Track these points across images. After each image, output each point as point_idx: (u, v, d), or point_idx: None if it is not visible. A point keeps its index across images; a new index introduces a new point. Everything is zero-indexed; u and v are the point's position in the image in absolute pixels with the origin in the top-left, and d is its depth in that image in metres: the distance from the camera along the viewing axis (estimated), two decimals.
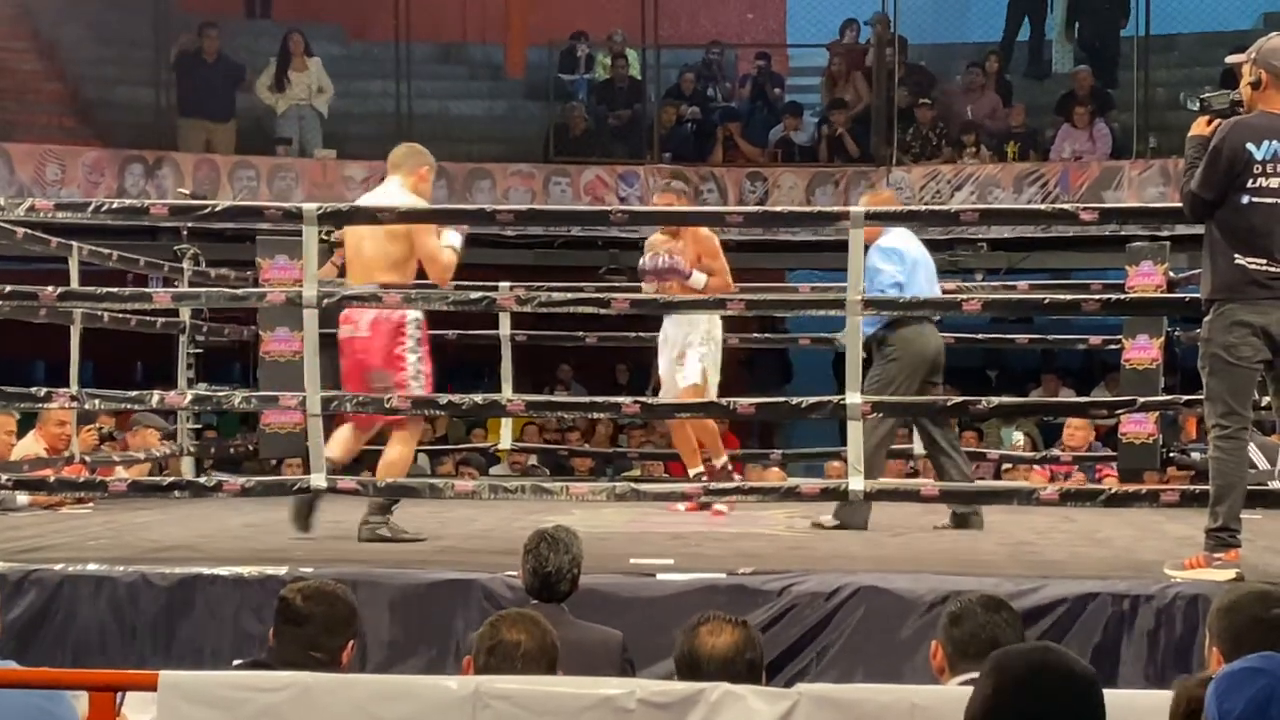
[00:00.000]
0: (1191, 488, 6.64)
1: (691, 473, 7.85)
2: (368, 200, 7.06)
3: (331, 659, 3.90)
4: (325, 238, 9.08)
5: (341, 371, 6.81)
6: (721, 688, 3.32)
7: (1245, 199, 5.25)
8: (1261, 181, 5.23)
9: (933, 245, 7.69)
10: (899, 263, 7.13)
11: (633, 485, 7.04)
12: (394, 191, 6.80)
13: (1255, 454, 6.51)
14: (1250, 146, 5.24)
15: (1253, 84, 5.33)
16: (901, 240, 7.23)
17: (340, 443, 6.75)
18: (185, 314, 9.12)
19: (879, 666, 5.20)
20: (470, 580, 5.44)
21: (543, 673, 3.64)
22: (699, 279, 7.57)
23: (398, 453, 6.72)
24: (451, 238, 6.71)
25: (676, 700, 3.31)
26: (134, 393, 7.28)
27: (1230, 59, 5.49)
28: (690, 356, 7.70)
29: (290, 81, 14.22)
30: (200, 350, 9.43)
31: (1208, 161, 5.30)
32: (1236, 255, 5.28)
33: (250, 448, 9.77)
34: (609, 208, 6.91)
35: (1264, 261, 5.25)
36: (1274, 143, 5.23)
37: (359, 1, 15.64)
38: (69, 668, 4.88)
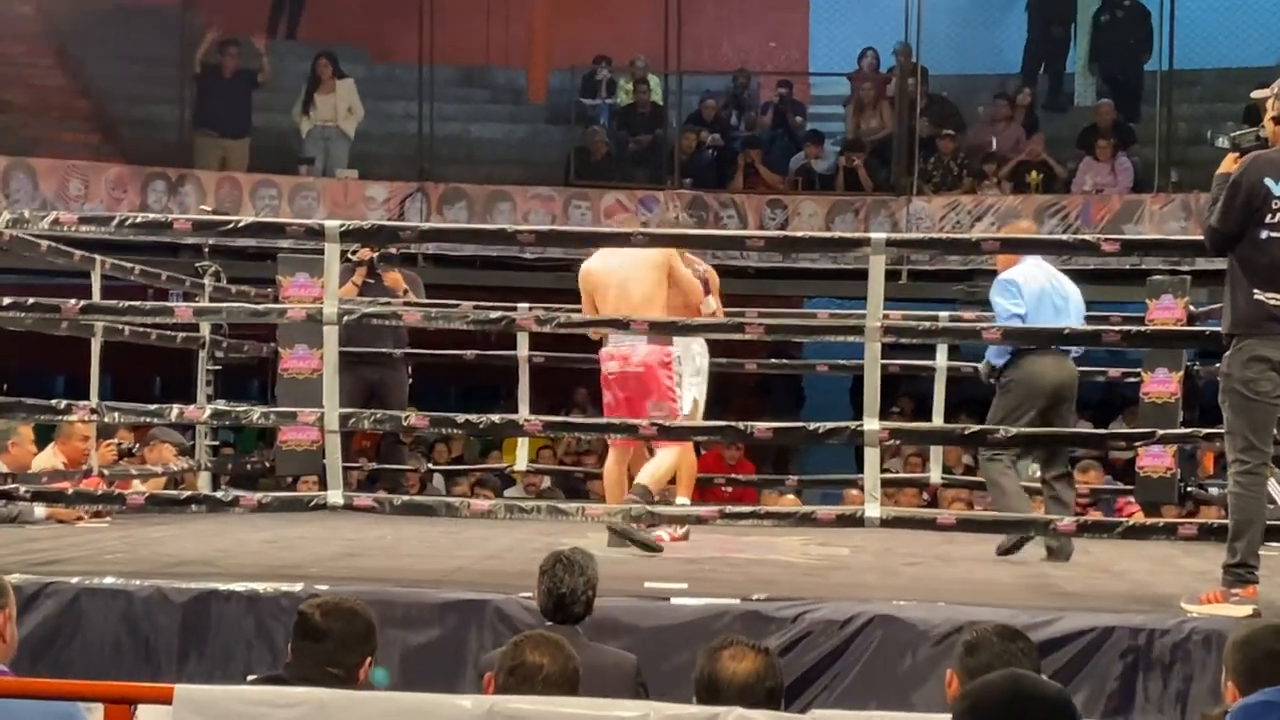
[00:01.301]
0: (1210, 522, 6.62)
1: (680, 500, 7.77)
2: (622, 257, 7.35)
3: (348, 675, 3.90)
4: (350, 257, 9.13)
5: (613, 403, 7.29)
6: (736, 712, 3.31)
7: (1264, 234, 5.25)
8: None
9: (952, 275, 7.70)
10: (1015, 296, 7.10)
11: (648, 508, 7.03)
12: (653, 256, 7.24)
13: (1275, 489, 6.48)
14: (1269, 181, 5.23)
15: (1275, 119, 5.33)
16: (1021, 272, 7.17)
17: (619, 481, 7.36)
18: (205, 329, 9.15)
19: (892, 695, 5.18)
20: (485, 601, 5.44)
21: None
22: (710, 304, 7.58)
23: (664, 460, 7.23)
24: (711, 302, 7.43)
25: None
26: (153, 406, 7.30)
27: (1255, 94, 5.49)
28: (683, 389, 7.68)
29: (316, 104, 14.28)
30: (219, 366, 9.45)
31: (1226, 195, 5.30)
32: (1255, 290, 5.27)
33: (267, 464, 9.79)
34: (630, 230, 6.92)
35: None
36: None
37: (384, 24, 15.71)
38: (84, 680, 4.88)
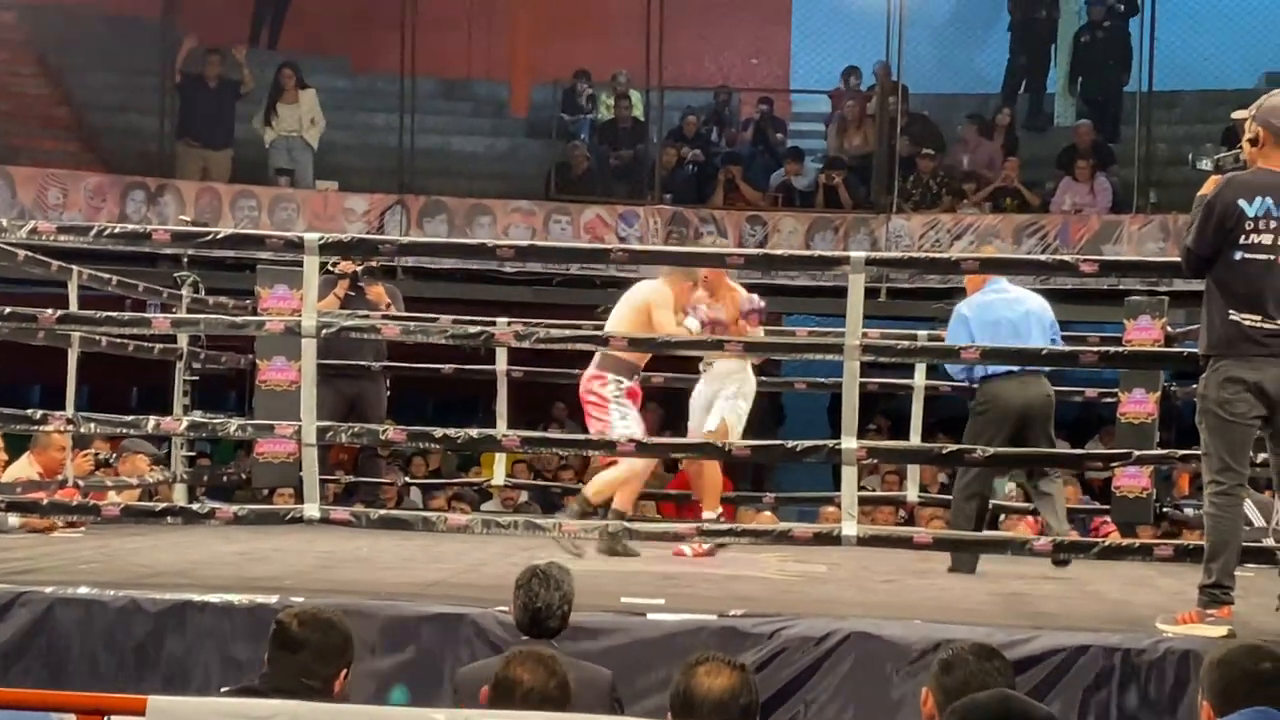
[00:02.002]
0: (1186, 543, 6.64)
1: (707, 515, 7.79)
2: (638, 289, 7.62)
3: (324, 686, 3.88)
4: (331, 269, 9.13)
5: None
6: None
7: (1238, 255, 5.28)
8: (1254, 238, 5.25)
9: (931, 294, 7.72)
10: (958, 332, 7.27)
11: (625, 524, 7.03)
12: (655, 284, 7.57)
13: (1251, 510, 6.50)
14: (1242, 203, 5.26)
15: (1251, 141, 5.36)
16: (975, 303, 7.34)
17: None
18: (183, 340, 9.13)
19: (867, 712, 5.19)
20: (461, 614, 5.42)
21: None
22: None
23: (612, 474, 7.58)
24: (691, 323, 7.36)
25: None
26: (130, 418, 7.28)
27: (1235, 115, 5.51)
28: (716, 405, 7.68)
29: (278, 114, 14.24)
30: (196, 377, 9.43)
31: (1201, 216, 5.34)
32: (1231, 311, 5.30)
33: (243, 476, 9.76)
34: (610, 246, 6.95)
35: (1258, 318, 5.26)
36: (1267, 199, 5.25)
37: (365, 35, 15.70)
38: (57, 690, 4.85)
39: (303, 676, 3.87)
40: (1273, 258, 5.24)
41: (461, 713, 3.45)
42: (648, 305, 7.51)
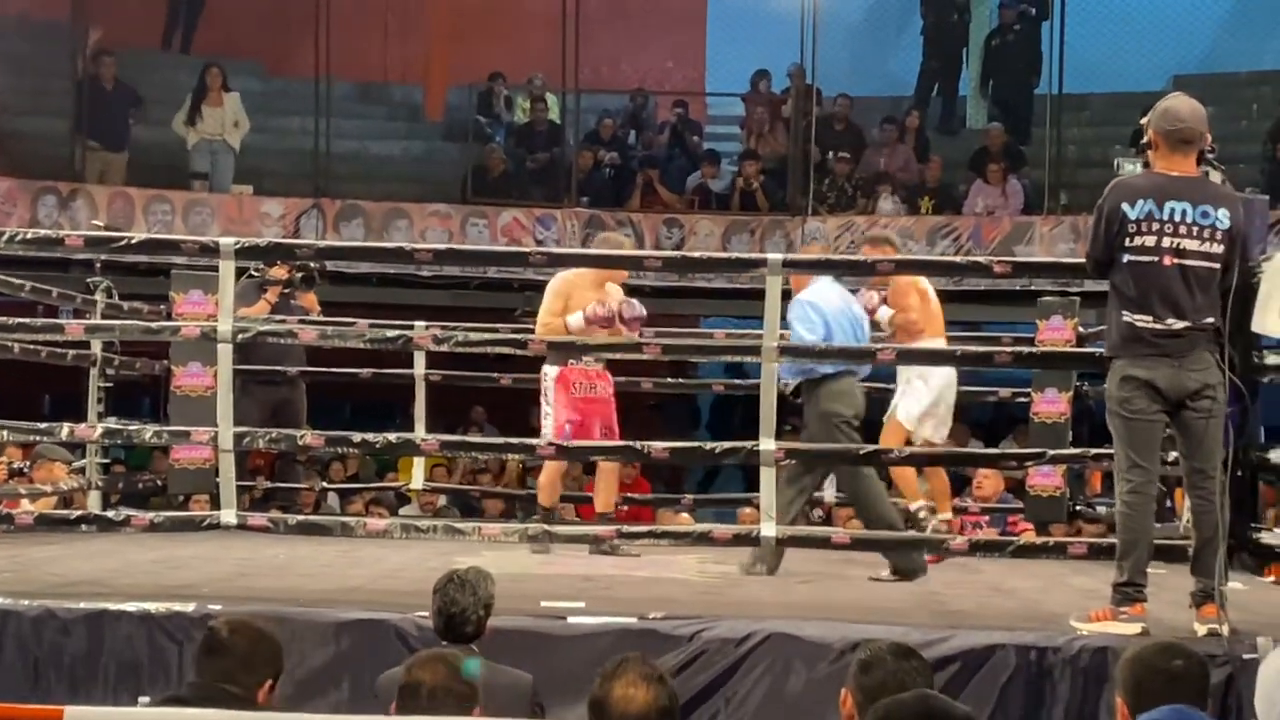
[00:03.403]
0: (1099, 540, 6.72)
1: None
2: None
3: (248, 694, 3.86)
4: (254, 272, 9.06)
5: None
6: None
7: (1126, 258, 5.37)
8: (1139, 240, 5.34)
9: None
10: (809, 320, 7.13)
11: (545, 527, 7.04)
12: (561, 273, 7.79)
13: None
14: (1125, 206, 5.35)
15: (1146, 145, 5.46)
16: (818, 294, 7.21)
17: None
18: (97, 347, 9.03)
19: (788, 713, 5.22)
20: (381, 620, 5.41)
21: (453, 713, 3.63)
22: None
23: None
24: (576, 318, 7.49)
25: None
26: (43, 425, 7.20)
27: (1144, 120, 5.59)
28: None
29: (203, 116, 14.12)
30: (110, 384, 9.33)
31: (1093, 222, 5.48)
32: (1125, 313, 5.39)
33: (159, 482, 9.67)
34: (529, 249, 6.97)
35: (1149, 318, 5.35)
36: (1149, 202, 5.33)
37: (279, 38, 15.60)
38: None
39: (226, 683, 3.85)
40: (1156, 259, 5.33)
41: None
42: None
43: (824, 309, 7.17)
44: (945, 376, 7.71)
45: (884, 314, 7.61)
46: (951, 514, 7.90)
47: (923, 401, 7.70)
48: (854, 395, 7.19)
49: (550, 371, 7.67)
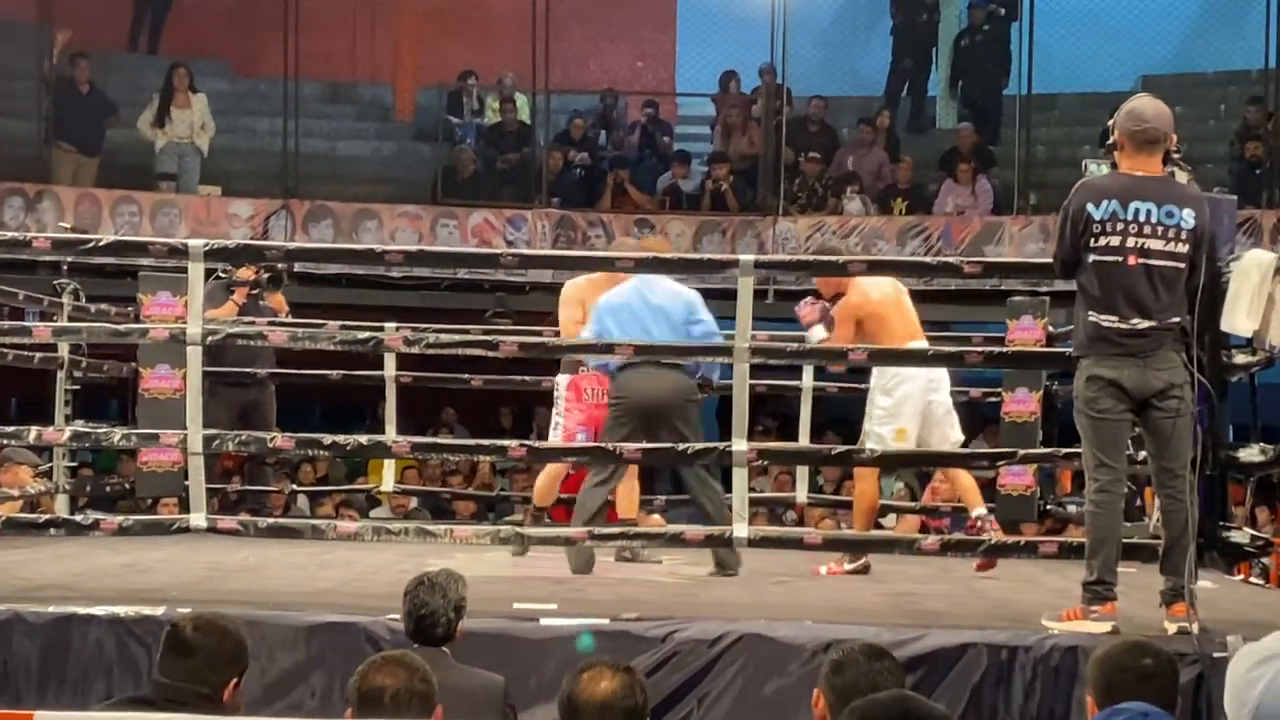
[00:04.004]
0: (1070, 540, 6.74)
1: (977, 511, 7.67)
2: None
3: (214, 694, 3.82)
4: (222, 274, 9.02)
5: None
6: None
7: (1091, 258, 5.40)
8: (1103, 240, 5.36)
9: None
10: (598, 317, 7.22)
11: (517, 529, 7.03)
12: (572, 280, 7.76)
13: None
14: (1090, 207, 5.37)
15: (1112, 145, 5.48)
16: (615, 292, 7.27)
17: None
18: (64, 349, 8.98)
19: (761, 714, 5.22)
20: (351, 623, 5.39)
21: (415, 715, 3.61)
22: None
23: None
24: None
25: None
26: (10, 428, 7.16)
27: (1110, 121, 5.61)
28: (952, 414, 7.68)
29: (171, 118, 14.06)
30: (78, 386, 9.28)
31: (1059, 223, 5.50)
32: (1091, 313, 5.42)
33: (127, 485, 9.62)
34: (499, 250, 6.95)
35: (1114, 318, 5.37)
36: (1113, 202, 5.35)
37: (247, 38, 15.54)
38: None
39: (191, 682, 3.81)
40: (1121, 259, 5.35)
41: None
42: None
43: (602, 305, 7.21)
44: (915, 382, 7.52)
45: (817, 334, 7.44)
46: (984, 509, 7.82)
47: (899, 415, 7.41)
48: (629, 384, 7.07)
49: (562, 380, 7.66)
